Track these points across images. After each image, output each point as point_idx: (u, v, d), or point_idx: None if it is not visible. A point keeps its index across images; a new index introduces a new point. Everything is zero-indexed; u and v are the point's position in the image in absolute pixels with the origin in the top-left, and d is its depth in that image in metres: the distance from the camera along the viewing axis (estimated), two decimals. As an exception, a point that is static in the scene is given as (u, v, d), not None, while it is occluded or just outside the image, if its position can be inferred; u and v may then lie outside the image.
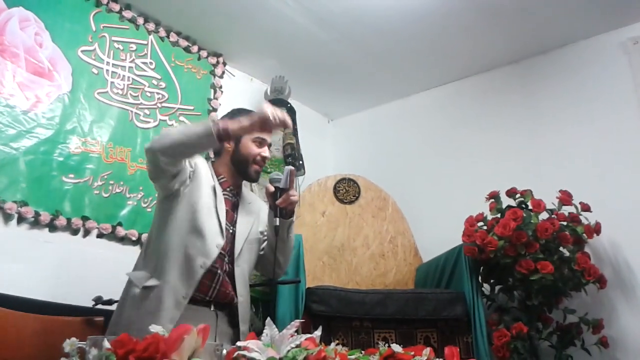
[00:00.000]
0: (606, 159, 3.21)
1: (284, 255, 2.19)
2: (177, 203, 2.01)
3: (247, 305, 2.12)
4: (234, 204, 2.18)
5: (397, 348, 1.48)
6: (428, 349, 1.62)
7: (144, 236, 2.78)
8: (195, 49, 3.52)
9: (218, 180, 2.14)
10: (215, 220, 2.04)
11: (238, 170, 2.17)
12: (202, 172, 2.08)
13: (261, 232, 2.24)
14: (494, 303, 3.05)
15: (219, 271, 2.01)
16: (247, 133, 2.06)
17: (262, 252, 2.24)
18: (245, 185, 2.60)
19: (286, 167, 2.16)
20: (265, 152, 2.18)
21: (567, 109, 3.44)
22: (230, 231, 2.11)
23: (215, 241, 2.01)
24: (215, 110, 3.52)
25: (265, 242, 2.24)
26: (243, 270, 2.11)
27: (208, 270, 1.97)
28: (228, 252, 2.08)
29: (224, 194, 2.12)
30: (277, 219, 2.08)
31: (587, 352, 2.87)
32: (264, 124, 1.93)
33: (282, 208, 2.09)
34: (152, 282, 1.93)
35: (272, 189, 2.10)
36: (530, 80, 3.65)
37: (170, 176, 1.97)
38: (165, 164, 1.91)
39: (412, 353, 1.54)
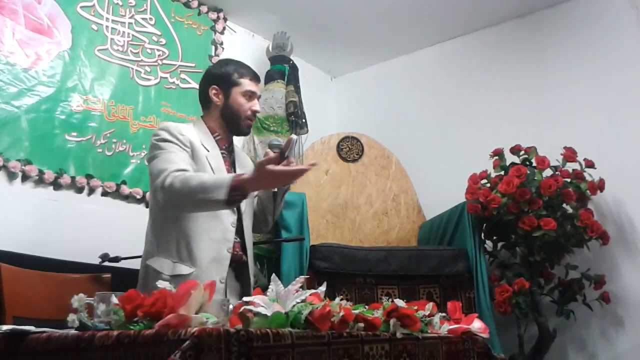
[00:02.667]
0: (611, 115, 3.18)
1: (274, 216, 2.24)
2: None
3: (252, 258, 2.17)
4: (232, 162, 2.18)
5: (400, 303, 1.50)
6: (431, 303, 1.65)
7: (149, 195, 2.77)
8: (195, 4, 3.45)
9: (214, 138, 2.10)
10: None
11: (228, 125, 2.12)
12: (196, 145, 2.01)
13: None
14: (496, 259, 3.08)
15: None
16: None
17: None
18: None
19: (292, 136, 2.10)
20: (255, 105, 2.14)
21: (573, 63, 3.39)
22: None
23: (229, 220, 2.02)
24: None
25: (256, 199, 2.25)
26: (248, 226, 2.14)
27: None
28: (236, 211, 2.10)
29: (221, 153, 2.09)
30: None
31: (588, 307, 2.91)
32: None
33: None
34: (184, 270, 1.91)
35: (272, 155, 2.09)
36: (537, 35, 3.58)
37: None
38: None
39: (416, 307, 1.57)
